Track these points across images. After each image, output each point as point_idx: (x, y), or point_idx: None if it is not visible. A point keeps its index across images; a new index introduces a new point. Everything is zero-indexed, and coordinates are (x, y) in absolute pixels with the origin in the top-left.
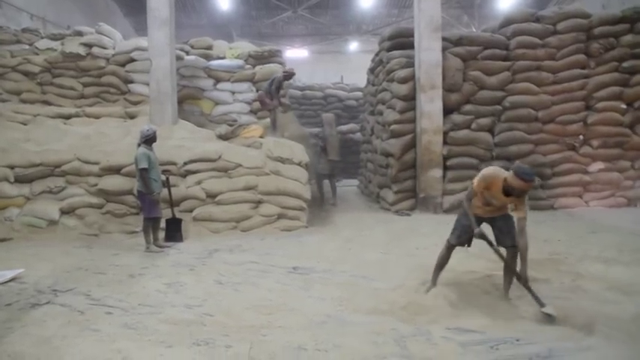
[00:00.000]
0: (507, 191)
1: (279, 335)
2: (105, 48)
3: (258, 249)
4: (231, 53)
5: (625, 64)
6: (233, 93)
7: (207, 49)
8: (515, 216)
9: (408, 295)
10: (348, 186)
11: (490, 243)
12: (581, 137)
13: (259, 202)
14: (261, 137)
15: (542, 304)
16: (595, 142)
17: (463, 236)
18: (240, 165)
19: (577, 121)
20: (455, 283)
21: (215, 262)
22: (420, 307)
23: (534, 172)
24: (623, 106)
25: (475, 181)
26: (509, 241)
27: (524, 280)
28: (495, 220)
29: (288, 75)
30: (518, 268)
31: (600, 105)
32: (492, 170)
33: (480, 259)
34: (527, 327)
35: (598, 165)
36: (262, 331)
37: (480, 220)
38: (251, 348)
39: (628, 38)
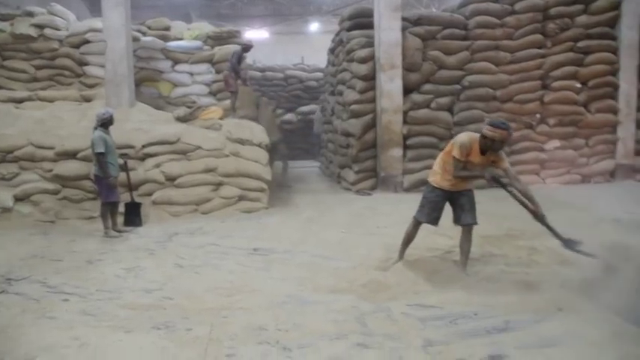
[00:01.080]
0: (484, 149)
1: (239, 316)
2: (58, 29)
3: (219, 231)
4: (189, 34)
5: (580, 44)
6: (192, 74)
7: (164, 30)
8: (500, 169)
9: (369, 273)
10: (310, 167)
11: (503, 185)
12: (538, 116)
13: (219, 184)
14: (220, 119)
15: (562, 239)
16: (551, 121)
17: (432, 214)
18: (200, 147)
19: (534, 100)
20: (416, 260)
21: (175, 245)
22: (380, 285)
23: (505, 121)
24: (578, 85)
25: (456, 152)
26: (470, 219)
27: (541, 218)
28: (459, 197)
29: (247, 47)
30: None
31: (556, 84)
32: (466, 135)
33: (441, 236)
34: (485, 301)
35: (554, 143)
36: (223, 312)
37: (444, 194)
38: (211, 330)
39: (582, 19)
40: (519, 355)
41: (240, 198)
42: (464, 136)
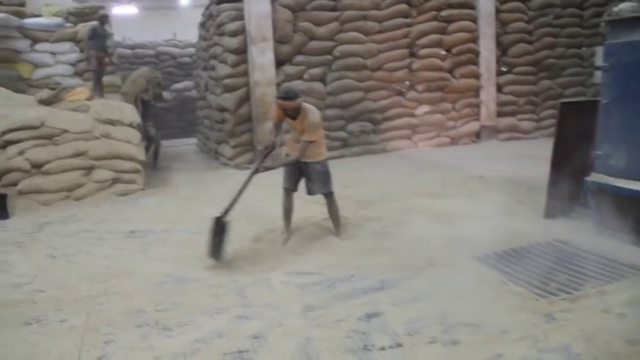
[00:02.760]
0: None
1: (116, 301)
2: None
3: (94, 217)
4: (48, 11)
5: (442, 13)
6: (54, 54)
7: (19, 5)
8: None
9: (248, 246)
10: (188, 145)
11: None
12: (407, 83)
13: (91, 168)
14: (88, 100)
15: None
16: (420, 87)
17: (289, 180)
18: (67, 131)
19: (403, 67)
20: (294, 229)
21: (46, 235)
22: (259, 256)
23: (288, 89)
24: (443, 52)
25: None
26: (317, 189)
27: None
28: (305, 168)
29: (102, 18)
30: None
31: (423, 52)
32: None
33: (315, 204)
34: (361, 263)
35: (423, 108)
36: (99, 299)
37: (296, 164)
38: (87, 319)
39: None
40: (394, 310)
41: (115, 181)
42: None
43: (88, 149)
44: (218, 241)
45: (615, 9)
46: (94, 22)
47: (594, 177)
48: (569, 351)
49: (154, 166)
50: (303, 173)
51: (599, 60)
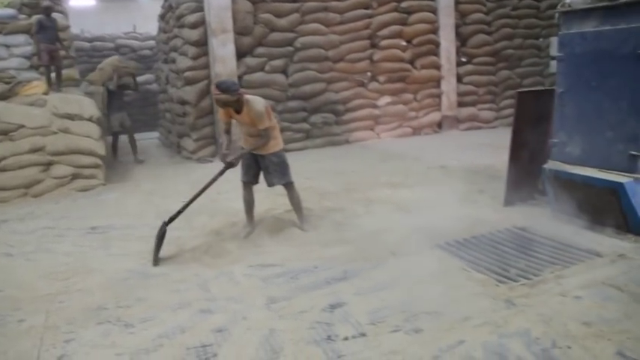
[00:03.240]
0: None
1: (77, 299)
2: None
3: (53, 213)
4: (0, 2)
5: (403, 5)
6: (8, 47)
7: None
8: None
9: (210, 240)
10: (150, 139)
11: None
12: (368, 74)
13: (49, 163)
14: (44, 94)
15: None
16: (381, 78)
17: (248, 173)
18: (23, 126)
19: (364, 58)
20: (257, 221)
21: (3, 233)
22: (222, 250)
23: (222, 82)
24: (404, 43)
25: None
26: (277, 180)
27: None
28: (262, 160)
29: (47, 9)
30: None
31: (384, 43)
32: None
33: (280, 196)
34: (324, 254)
35: (385, 99)
36: (59, 297)
37: (251, 156)
38: (47, 317)
39: None
40: (357, 300)
41: (75, 176)
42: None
43: (46, 144)
44: (157, 246)
45: (568, 1)
46: (40, 15)
47: (551, 165)
48: (528, 335)
49: (135, 159)
50: (261, 166)
51: (553, 50)
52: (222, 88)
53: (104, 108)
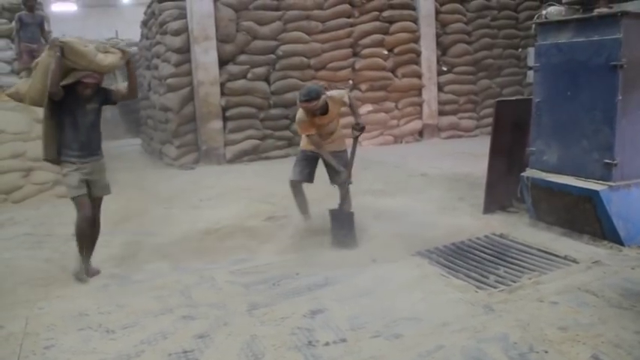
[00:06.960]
0: (312, 115)
1: (57, 305)
2: None
3: (33, 219)
4: None
5: (384, 14)
6: None
7: None
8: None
9: (192, 247)
10: (132, 145)
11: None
12: (350, 82)
13: (30, 169)
14: None
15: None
16: (363, 86)
17: (304, 171)
18: (3, 131)
19: (346, 67)
20: (239, 228)
21: None
22: (203, 256)
23: (308, 90)
24: (385, 52)
25: (300, 131)
26: (339, 179)
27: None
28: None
29: (28, 3)
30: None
31: (365, 51)
32: (298, 112)
33: (263, 203)
34: (307, 260)
35: (367, 107)
36: (39, 304)
37: (312, 155)
38: (27, 324)
39: None
40: (338, 306)
41: (56, 182)
42: (298, 115)
43: (27, 150)
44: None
45: (544, 12)
46: (21, 12)
47: (529, 172)
48: (506, 340)
49: None
50: (326, 164)
51: (531, 60)
52: (314, 95)
53: None
